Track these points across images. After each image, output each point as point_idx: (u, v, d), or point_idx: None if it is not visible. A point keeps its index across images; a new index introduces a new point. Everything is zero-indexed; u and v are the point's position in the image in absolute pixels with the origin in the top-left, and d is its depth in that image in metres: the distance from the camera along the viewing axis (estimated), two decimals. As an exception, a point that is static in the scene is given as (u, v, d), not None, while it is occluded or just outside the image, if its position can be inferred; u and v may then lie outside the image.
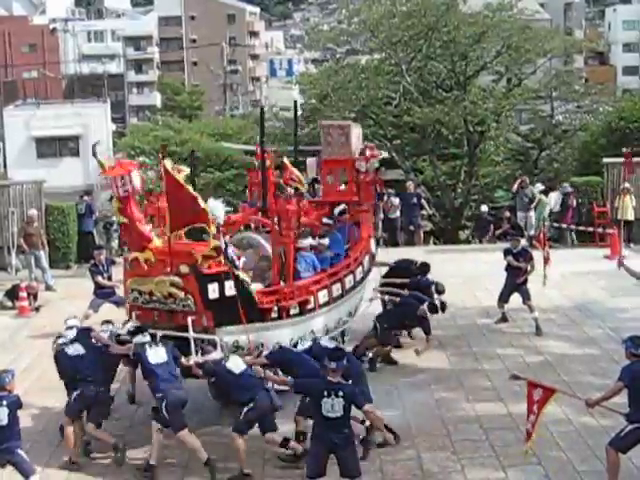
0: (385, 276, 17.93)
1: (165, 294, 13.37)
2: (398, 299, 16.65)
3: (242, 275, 13.83)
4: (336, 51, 43.52)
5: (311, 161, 19.07)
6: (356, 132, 17.48)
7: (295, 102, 19.61)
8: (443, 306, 16.83)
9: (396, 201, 28.34)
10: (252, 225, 16.39)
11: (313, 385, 11.17)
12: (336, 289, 15.43)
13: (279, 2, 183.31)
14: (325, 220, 16.90)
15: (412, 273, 17.56)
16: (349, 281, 15.92)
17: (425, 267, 17.71)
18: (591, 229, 26.95)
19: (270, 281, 14.62)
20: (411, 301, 16.31)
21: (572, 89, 38.91)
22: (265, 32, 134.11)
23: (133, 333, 13.48)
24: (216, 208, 14.60)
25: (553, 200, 27.80)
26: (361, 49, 41.69)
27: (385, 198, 28.09)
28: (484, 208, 29.85)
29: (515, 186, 28.43)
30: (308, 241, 15.69)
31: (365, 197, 17.25)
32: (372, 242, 17.55)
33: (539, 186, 28.99)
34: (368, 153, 17.34)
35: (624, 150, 23.84)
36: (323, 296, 15.06)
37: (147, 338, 13.03)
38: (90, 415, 13.08)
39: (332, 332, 15.29)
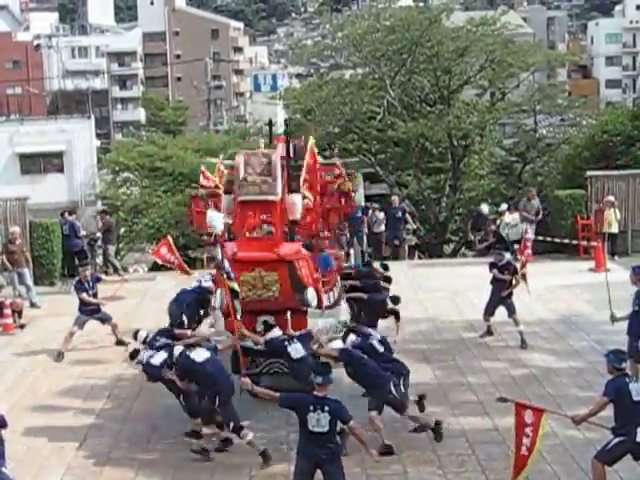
0: None
1: None
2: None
3: (235, 287, 13.91)
4: (320, 66, 43.64)
5: None
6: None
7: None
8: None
9: (381, 215, 28.41)
10: None
11: (299, 399, 11.15)
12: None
13: (263, 17, 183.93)
14: None
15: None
16: None
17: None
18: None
19: None
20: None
21: (555, 103, 38.98)
22: (249, 47, 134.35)
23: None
24: (214, 219, 14.63)
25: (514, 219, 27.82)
26: (345, 64, 41.74)
27: (370, 212, 28.16)
28: (485, 208, 29.43)
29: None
30: None
31: None
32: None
33: (503, 206, 29.16)
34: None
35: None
36: None
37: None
38: None
39: None
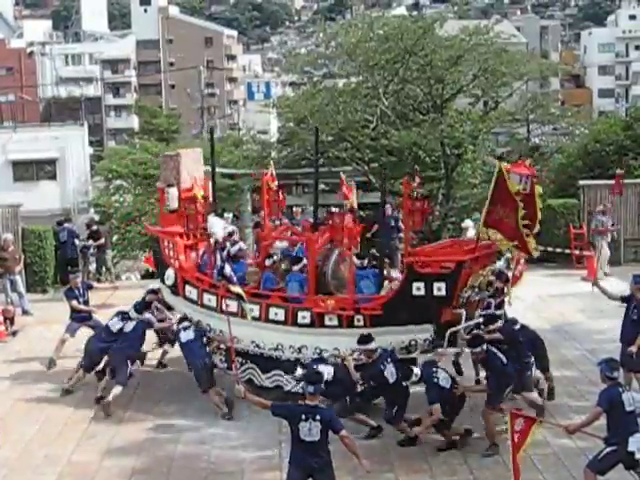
0: None
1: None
2: None
3: (239, 291, 13.99)
4: (313, 74, 43.55)
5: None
6: (192, 158, 17.36)
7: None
8: None
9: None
10: None
11: (291, 408, 11.15)
12: None
13: (257, 26, 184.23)
14: None
15: None
16: None
17: None
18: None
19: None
20: None
21: (548, 112, 39.00)
22: (243, 55, 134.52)
23: None
24: (214, 225, 14.68)
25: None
26: (338, 72, 41.73)
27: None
28: None
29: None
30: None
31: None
32: None
33: (468, 222, 29.22)
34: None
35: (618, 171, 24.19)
36: None
37: None
38: None
39: None
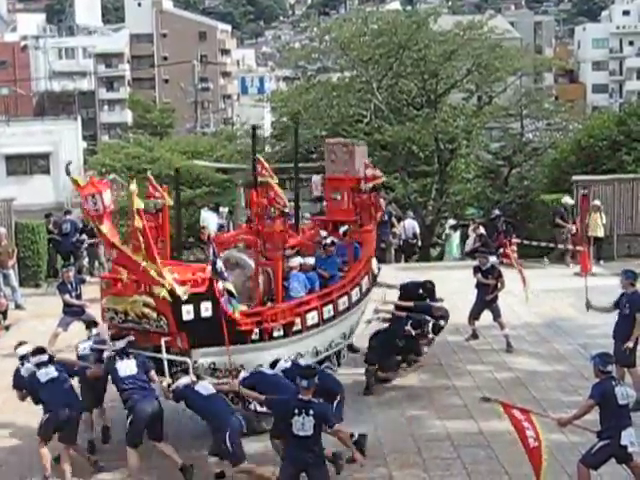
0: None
1: (139, 314, 13.18)
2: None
3: (229, 287, 13.76)
4: (307, 69, 43.62)
5: (316, 179, 19.01)
6: (360, 151, 16.94)
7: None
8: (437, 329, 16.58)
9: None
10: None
11: (284, 403, 11.14)
12: (327, 311, 14.93)
13: (251, 20, 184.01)
14: (330, 239, 16.16)
15: (418, 296, 17.20)
16: (343, 302, 15.35)
17: (430, 289, 17.49)
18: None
19: (255, 302, 14.41)
20: (401, 320, 16.11)
21: (542, 107, 39.15)
22: (236, 50, 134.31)
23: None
24: (207, 219, 14.57)
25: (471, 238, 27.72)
26: (332, 67, 41.82)
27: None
28: (569, 200, 28.49)
29: None
30: (297, 260, 15.39)
31: (365, 217, 16.58)
32: (374, 262, 16.79)
33: (451, 222, 29.20)
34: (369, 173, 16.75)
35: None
36: (312, 318, 14.57)
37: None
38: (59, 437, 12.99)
39: (322, 354, 14.87)
